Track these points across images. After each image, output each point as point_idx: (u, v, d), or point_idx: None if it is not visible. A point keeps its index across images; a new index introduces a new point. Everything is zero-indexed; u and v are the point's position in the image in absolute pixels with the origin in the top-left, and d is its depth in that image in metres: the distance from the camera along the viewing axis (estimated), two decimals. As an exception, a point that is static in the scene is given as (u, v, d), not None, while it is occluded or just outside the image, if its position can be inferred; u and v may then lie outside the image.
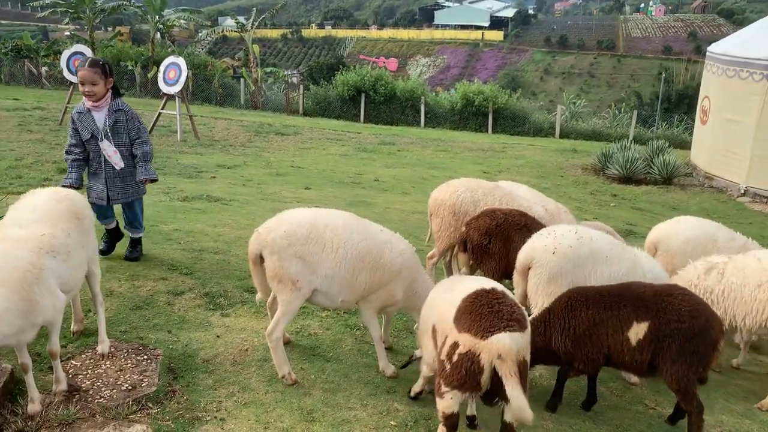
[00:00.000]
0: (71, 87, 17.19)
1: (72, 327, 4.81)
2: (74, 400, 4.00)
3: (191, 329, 5.12)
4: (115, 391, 4.13)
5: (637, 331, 4.21)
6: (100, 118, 5.87)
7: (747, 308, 5.08)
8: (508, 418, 3.55)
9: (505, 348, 3.38)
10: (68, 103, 16.95)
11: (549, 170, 16.23)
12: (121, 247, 6.49)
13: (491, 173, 14.73)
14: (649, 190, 14.80)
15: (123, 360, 4.50)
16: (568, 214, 6.78)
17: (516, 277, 5.20)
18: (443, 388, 3.61)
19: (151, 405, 4.05)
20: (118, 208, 6.44)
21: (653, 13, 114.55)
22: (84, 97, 5.84)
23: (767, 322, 5.01)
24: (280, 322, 4.42)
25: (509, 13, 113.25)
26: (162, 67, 16.60)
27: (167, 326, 5.11)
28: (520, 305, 3.73)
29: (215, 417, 4.04)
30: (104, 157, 5.94)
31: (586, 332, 4.32)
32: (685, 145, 21.31)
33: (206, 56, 37.66)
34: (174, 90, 16.12)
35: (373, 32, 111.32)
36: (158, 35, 35.37)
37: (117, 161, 5.97)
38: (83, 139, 5.88)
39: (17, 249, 3.68)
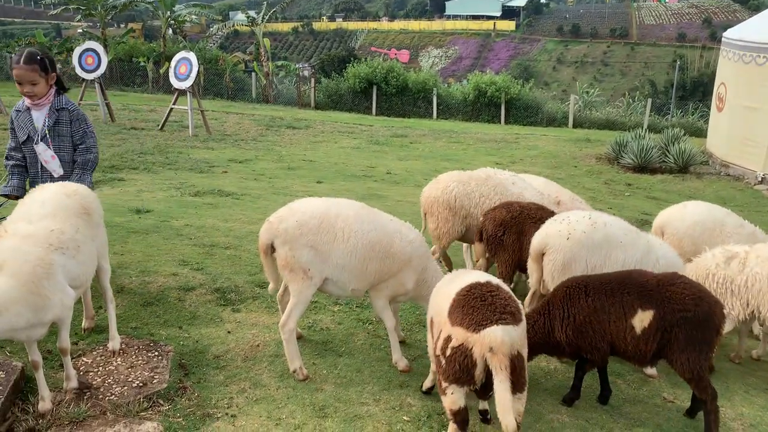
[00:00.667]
0: (84, 84, 17.27)
1: (83, 324, 4.80)
2: (85, 397, 3.98)
3: (202, 325, 5.10)
4: (126, 388, 4.11)
5: (642, 320, 4.15)
6: (39, 117, 5.09)
7: None
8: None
9: (496, 341, 3.32)
10: (81, 99, 17.02)
11: (563, 160, 16.07)
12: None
13: (504, 164, 14.61)
14: (665, 178, 14.60)
15: (134, 357, 4.48)
16: (583, 204, 6.70)
17: (530, 263, 5.16)
18: (443, 384, 3.56)
19: (162, 402, 4.02)
20: None
21: (667, 0, 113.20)
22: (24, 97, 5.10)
23: None
24: (293, 312, 4.43)
25: (521, 2, 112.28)
26: (173, 63, 16.64)
27: (178, 322, 5.09)
28: (515, 298, 3.67)
29: (226, 413, 4.00)
30: (41, 162, 5.14)
31: (587, 320, 4.27)
32: (701, 133, 21.03)
33: (217, 51, 37.66)
34: (185, 85, 16.14)
35: (384, 24, 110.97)
36: (170, 31, 35.45)
37: (55, 168, 5.15)
38: (20, 141, 5.13)
39: (27, 244, 3.68)
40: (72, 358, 4.13)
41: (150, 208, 8.25)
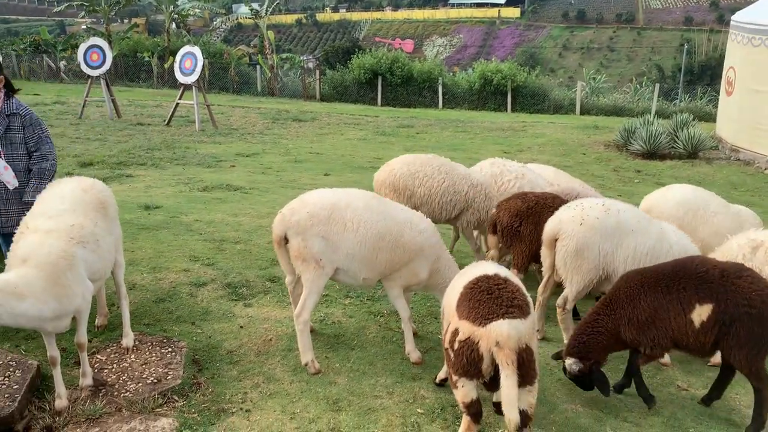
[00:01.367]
0: (89, 80, 17.29)
1: (96, 321, 4.83)
2: (100, 394, 4.01)
3: (215, 320, 5.11)
4: (140, 384, 4.13)
5: (701, 314, 4.05)
6: None
7: None
8: (522, 405, 3.46)
9: (503, 335, 3.31)
10: (87, 96, 17.05)
11: (570, 148, 15.98)
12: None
13: (512, 153, 14.55)
14: (674, 164, 14.50)
15: (148, 353, 4.50)
16: (594, 193, 6.66)
17: (543, 249, 5.15)
18: (454, 377, 3.56)
19: (176, 398, 4.04)
20: None
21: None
22: None
23: None
24: (306, 302, 4.50)
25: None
26: (178, 57, 16.62)
27: (191, 318, 5.11)
28: (523, 291, 3.65)
29: (241, 408, 4.02)
30: None
31: (649, 318, 4.17)
32: (710, 118, 20.84)
33: (222, 44, 37.55)
34: (191, 80, 16.13)
35: (388, 14, 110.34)
36: (173, 25, 35.40)
37: (9, 179, 4.77)
38: None
39: (51, 238, 3.76)
40: (87, 355, 4.15)
41: (159, 204, 8.27)
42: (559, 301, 5.11)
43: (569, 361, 4.31)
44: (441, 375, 4.38)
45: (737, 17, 16.26)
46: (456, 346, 3.48)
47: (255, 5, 33.11)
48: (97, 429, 3.70)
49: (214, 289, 5.65)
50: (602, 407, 4.37)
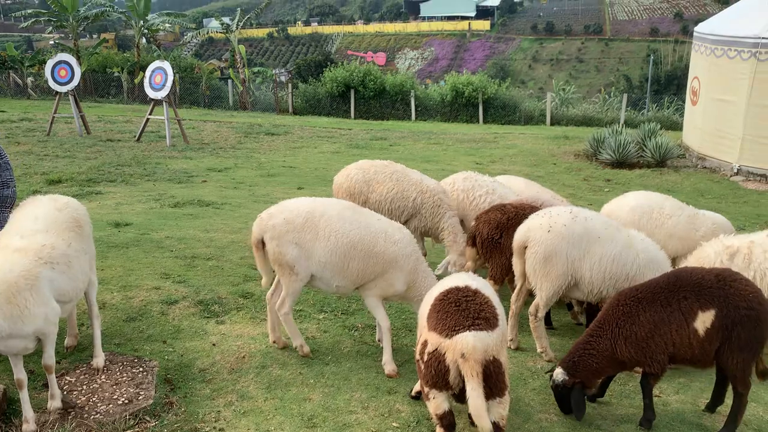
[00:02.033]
0: (58, 96, 17.05)
1: (65, 341, 4.74)
2: (70, 417, 3.93)
3: (186, 338, 5.05)
4: (111, 405, 4.06)
5: (704, 321, 4.05)
6: None
7: None
8: (493, 417, 3.46)
9: (468, 347, 3.33)
10: (55, 112, 16.81)
11: (541, 158, 16.16)
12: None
13: (484, 164, 14.66)
14: (643, 173, 14.74)
15: (118, 373, 4.43)
16: (564, 203, 6.74)
17: (514, 257, 5.21)
18: (425, 389, 3.57)
19: (148, 418, 3.98)
20: None
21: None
22: None
23: None
24: (285, 300, 4.72)
25: (495, 2, 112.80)
26: (148, 72, 16.47)
27: (162, 336, 5.04)
28: (492, 303, 3.66)
29: (214, 427, 3.97)
30: None
31: (648, 334, 4.15)
32: (677, 127, 21.25)
33: (192, 59, 37.42)
34: (161, 95, 16.00)
35: (360, 27, 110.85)
36: (143, 40, 35.11)
37: None
38: None
39: (16, 257, 3.72)
40: (56, 377, 4.07)
41: (129, 221, 8.16)
42: (531, 309, 5.16)
43: (558, 371, 4.32)
44: (416, 388, 4.38)
45: (700, 28, 16.65)
46: (425, 357, 3.50)
47: (226, 19, 33.03)
48: (67, 453, 3.62)
49: (186, 306, 5.58)
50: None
